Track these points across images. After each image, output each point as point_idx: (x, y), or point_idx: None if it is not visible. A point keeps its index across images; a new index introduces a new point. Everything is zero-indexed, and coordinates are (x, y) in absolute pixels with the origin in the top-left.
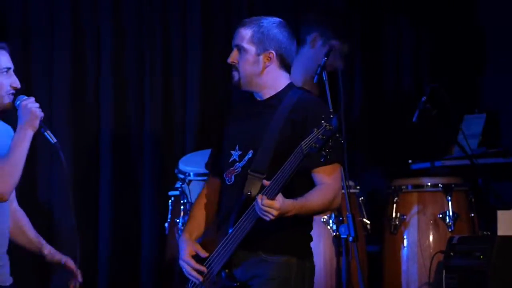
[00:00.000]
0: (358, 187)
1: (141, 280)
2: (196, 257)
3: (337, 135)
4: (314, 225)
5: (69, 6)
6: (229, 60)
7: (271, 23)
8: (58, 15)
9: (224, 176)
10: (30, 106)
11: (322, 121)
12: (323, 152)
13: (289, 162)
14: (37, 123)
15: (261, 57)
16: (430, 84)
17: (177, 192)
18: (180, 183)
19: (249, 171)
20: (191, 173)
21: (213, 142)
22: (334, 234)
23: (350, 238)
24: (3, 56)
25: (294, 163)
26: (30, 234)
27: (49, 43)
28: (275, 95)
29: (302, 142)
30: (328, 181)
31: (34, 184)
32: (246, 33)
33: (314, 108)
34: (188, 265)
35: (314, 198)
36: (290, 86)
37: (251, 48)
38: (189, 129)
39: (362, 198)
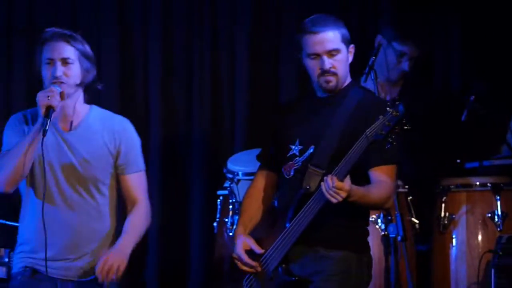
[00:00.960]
0: (407, 187)
1: (190, 279)
2: (251, 253)
3: (404, 121)
4: None
5: (116, 7)
6: (330, 69)
7: (339, 20)
8: (105, 16)
9: (282, 170)
10: (37, 96)
11: (388, 108)
12: (389, 139)
13: (354, 149)
14: (43, 111)
15: (349, 55)
16: (478, 83)
17: (225, 192)
18: (229, 183)
19: (309, 165)
20: (240, 173)
21: (268, 136)
22: (383, 233)
23: (399, 238)
24: (47, 47)
25: (359, 150)
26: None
27: (96, 44)
28: (338, 92)
29: (367, 130)
30: (386, 179)
31: None
32: (335, 35)
33: (376, 106)
34: (240, 260)
35: (374, 191)
36: (352, 83)
37: (343, 48)
38: (238, 128)
39: (410, 197)
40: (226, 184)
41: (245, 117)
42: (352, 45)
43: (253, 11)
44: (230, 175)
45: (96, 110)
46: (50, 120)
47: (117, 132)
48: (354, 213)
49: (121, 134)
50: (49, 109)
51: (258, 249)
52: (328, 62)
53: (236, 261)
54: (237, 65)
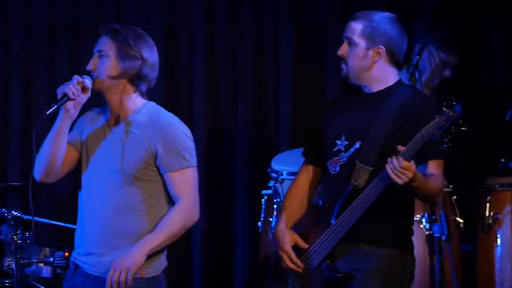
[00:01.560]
0: (451, 186)
1: (235, 278)
2: (295, 248)
3: (460, 121)
4: None
5: (161, 7)
6: (339, 53)
7: (383, 18)
8: (151, 15)
9: (328, 165)
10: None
11: (444, 108)
12: (445, 139)
13: (409, 147)
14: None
15: (370, 52)
16: None
17: (270, 191)
18: (273, 182)
19: (357, 162)
20: (284, 172)
21: (313, 131)
22: (428, 233)
23: (444, 237)
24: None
25: (413, 148)
26: None
27: None
28: (384, 89)
29: (422, 129)
30: (438, 173)
31: None
32: (357, 27)
33: (427, 105)
34: (288, 257)
35: (431, 181)
36: (399, 82)
37: (361, 42)
38: (282, 128)
39: (455, 197)
40: (271, 184)
41: (289, 116)
42: (380, 46)
43: (297, 9)
44: (274, 175)
45: (148, 107)
46: (57, 106)
47: (158, 129)
48: (400, 211)
49: (162, 132)
50: (64, 97)
51: (303, 245)
52: (341, 48)
53: (284, 257)
54: (282, 64)
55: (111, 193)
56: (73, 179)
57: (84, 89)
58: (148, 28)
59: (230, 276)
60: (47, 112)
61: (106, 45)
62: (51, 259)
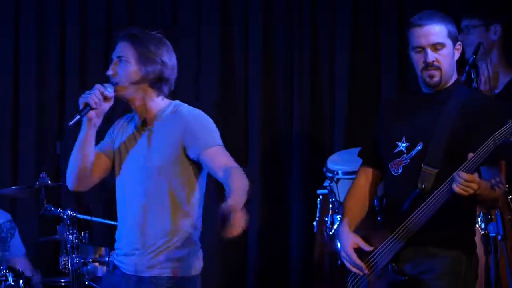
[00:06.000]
0: (507, 186)
1: (290, 278)
2: (359, 250)
3: None
4: None
5: (218, 6)
6: (431, 59)
7: (447, 16)
8: (206, 15)
9: (390, 166)
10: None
11: None
12: None
13: (480, 151)
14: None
15: (455, 49)
16: None
17: (325, 191)
18: (329, 182)
19: (422, 164)
20: (340, 172)
21: (371, 132)
22: (483, 232)
23: (499, 237)
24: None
25: (485, 153)
26: None
27: (197, 42)
28: (444, 89)
29: (496, 133)
30: (502, 178)
31: None
32: (441, 30)
33: (493, 106)
34: (350, 259)
35: (496, 188)
36: (458, 81)
37: (449, 43)
38: (338, 127)
39: (511, 196)
40: (326, 183)
41: (345, 116)
42: (459, 42)
43: (353, 9)
44: (330, 174)
45: (173, 105)
46: (81, 116)
47: (182, 119)
48: (465, 213)
49: (186, 120)
50: (86, 107)
51: (367, 247)
52: (431, 55)
53: (344, 260)
54: (337, 63)
55: (141, 193)
56: None
57: (106, 98)
58: (202, 27)
59: (285, 275)
60: (70, 123)
61: (126, 50)
62: (107, 259)
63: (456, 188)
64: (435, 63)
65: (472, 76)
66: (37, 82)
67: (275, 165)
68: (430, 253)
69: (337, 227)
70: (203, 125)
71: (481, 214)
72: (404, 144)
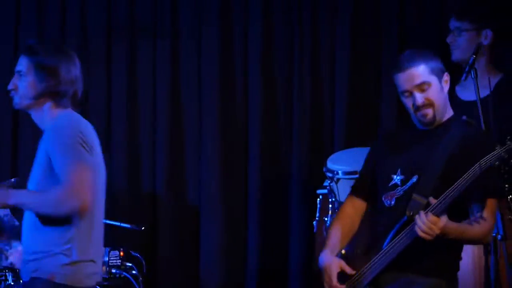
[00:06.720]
0: (507, 186)
1: (290, 278)
2: (341, 274)
3: None
4: None
5: (218, 7)
6: (420, 102)
7: (427, 52)
8: (206, 16)
9: (383, 198)
10: None
11: (508, 141)
12: (502, 171)
13: (463, 179)
14: None
15: (443, 83)
16: None
17: (325, 191)
18: (329, 182)
19: (413, 194)
20: (340, 172)
21: (366, 164)
22: None
23: (499, 237)
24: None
25: (468, 180)
26: None
27: (197, 44)
28: (440, 124)
29: (481, 160)
30: (487, 215)
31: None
32: (423, 69)
33: (486, 139)
34: (331, 281)
35: (473, 229)
36: (455, 117)
37: (434, 79)
38: (338, 127)
39: (510, 196)
40: (326, 183)
41: (345, 116)
42: (446, 74)
43: (353, 8)
44: (330, 174)
45: (61, 116)
46: None
47: (47, 138)
48: (450, 242)
49: (50, 133)
50: None
51: (350, 270)
52: (419, 97)
53: (325, 284)
54: (337, 63)
55: None
56: (127, 179)
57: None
58: (202, 27)
59: (285, 275)
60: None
61: (23, 64)
62: (106, 259)
63: (417, 230)
64: (426, 103)
65: (472, 77)
66: None
67: (275, 164)
68: (410, 280)
69: (320, 253)
70: (55, 144)
71: None
72: (399, 177)
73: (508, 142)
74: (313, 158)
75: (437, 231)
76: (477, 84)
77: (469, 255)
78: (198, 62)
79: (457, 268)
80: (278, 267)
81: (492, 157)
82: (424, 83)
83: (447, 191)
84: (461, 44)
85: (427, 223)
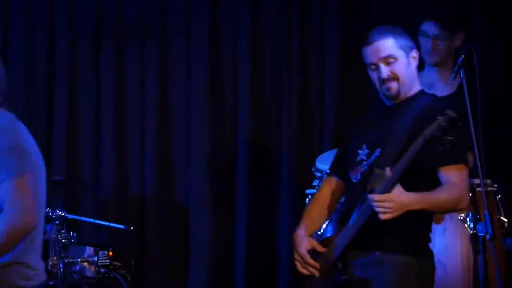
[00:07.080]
0: (496, 185)
1: (279, 278)
2: (313, 252)
3: (459, 123)
4: (451, 222)
5: (206, 7)
6: (385, 75)
7: (397, 28)
8: (195, 16)
9: (350, 174)
10: None
11: (447, 110)
12: (444, 140)
13: (410, 150)
14: None
15: (410, 59)
16: None
17: (314, 191)
18: (317, 181)
19: (374, 167)
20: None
21: (340, 146)
22: (472, 232)
23: (488, 236)
24: None
25: (414, 150)
26: None
27: (186, 44)
28: (405, 100)
29: (426, 129)
30: (455, 180)
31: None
32: (391, 43)
33: (439, 109)
34: (303, 259)
35: (440, 195)
36: (422, 92)
37: (401, 54)
38: (327, 127)
39: (499, 196)
40: (315, 183)
41: (334, 116)
42: (414, 50)
43: (342, 8)
44: (318, 174)
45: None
46: None
47: None
48: (416, 218)
49: None
50: None
51: (320, 248)
52: (385, 70)
53: (296, 262)
54: (326, 63)
55: None
56: (116, 179)
57: None
58: (191, 29)
59: (273, 274)
60: None
61: None
62: (95, 259)
63: (377, 210)
64: (391, 76)
65: (461, 76)
66: (26, 84)
67: (264, 164)
68: (379, 259)
69: (295, 232)
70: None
71: (470, 214)
72: (364, 152)
73: (447, 111)
74: (302, 158)
75: (392, 205)
76: (465, 84)
77: (458, 255)
78: (187, 62)
79: (427, 247)
80: (267, 267)
81: (433, 127)
82: (390, 56)
83: (397, 163)
84: (441, 50)
85: (377, 200)
